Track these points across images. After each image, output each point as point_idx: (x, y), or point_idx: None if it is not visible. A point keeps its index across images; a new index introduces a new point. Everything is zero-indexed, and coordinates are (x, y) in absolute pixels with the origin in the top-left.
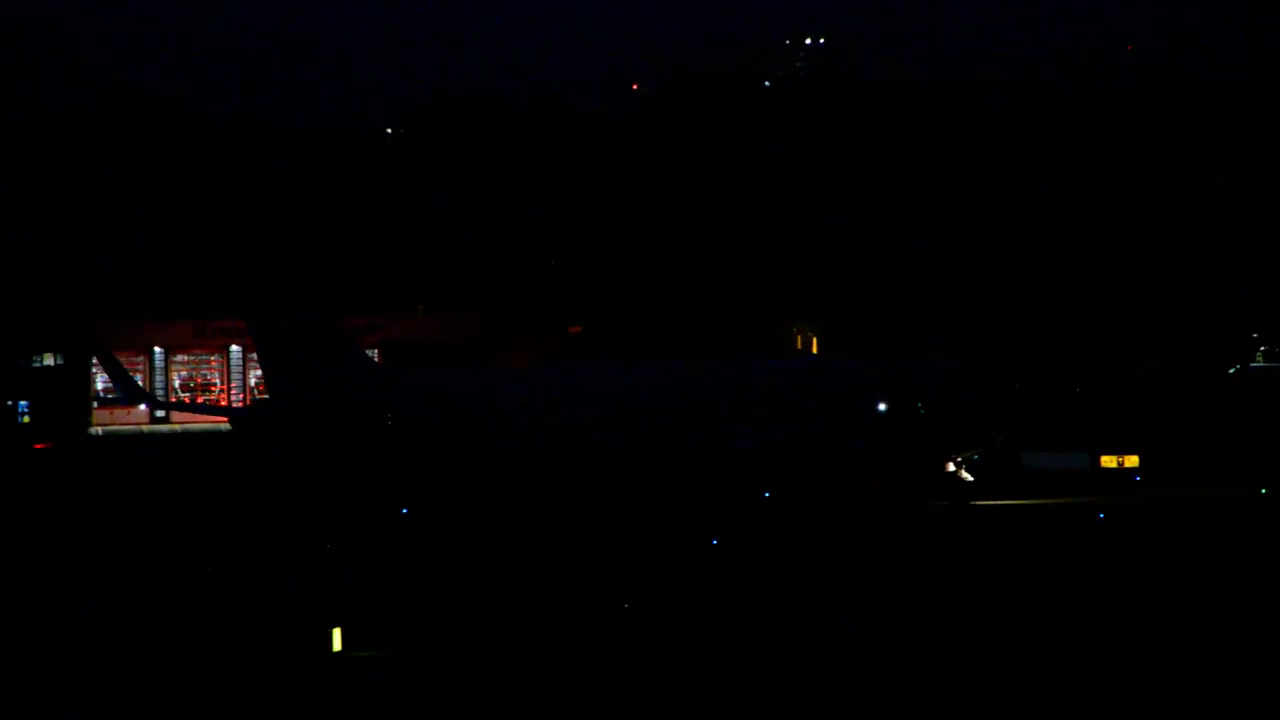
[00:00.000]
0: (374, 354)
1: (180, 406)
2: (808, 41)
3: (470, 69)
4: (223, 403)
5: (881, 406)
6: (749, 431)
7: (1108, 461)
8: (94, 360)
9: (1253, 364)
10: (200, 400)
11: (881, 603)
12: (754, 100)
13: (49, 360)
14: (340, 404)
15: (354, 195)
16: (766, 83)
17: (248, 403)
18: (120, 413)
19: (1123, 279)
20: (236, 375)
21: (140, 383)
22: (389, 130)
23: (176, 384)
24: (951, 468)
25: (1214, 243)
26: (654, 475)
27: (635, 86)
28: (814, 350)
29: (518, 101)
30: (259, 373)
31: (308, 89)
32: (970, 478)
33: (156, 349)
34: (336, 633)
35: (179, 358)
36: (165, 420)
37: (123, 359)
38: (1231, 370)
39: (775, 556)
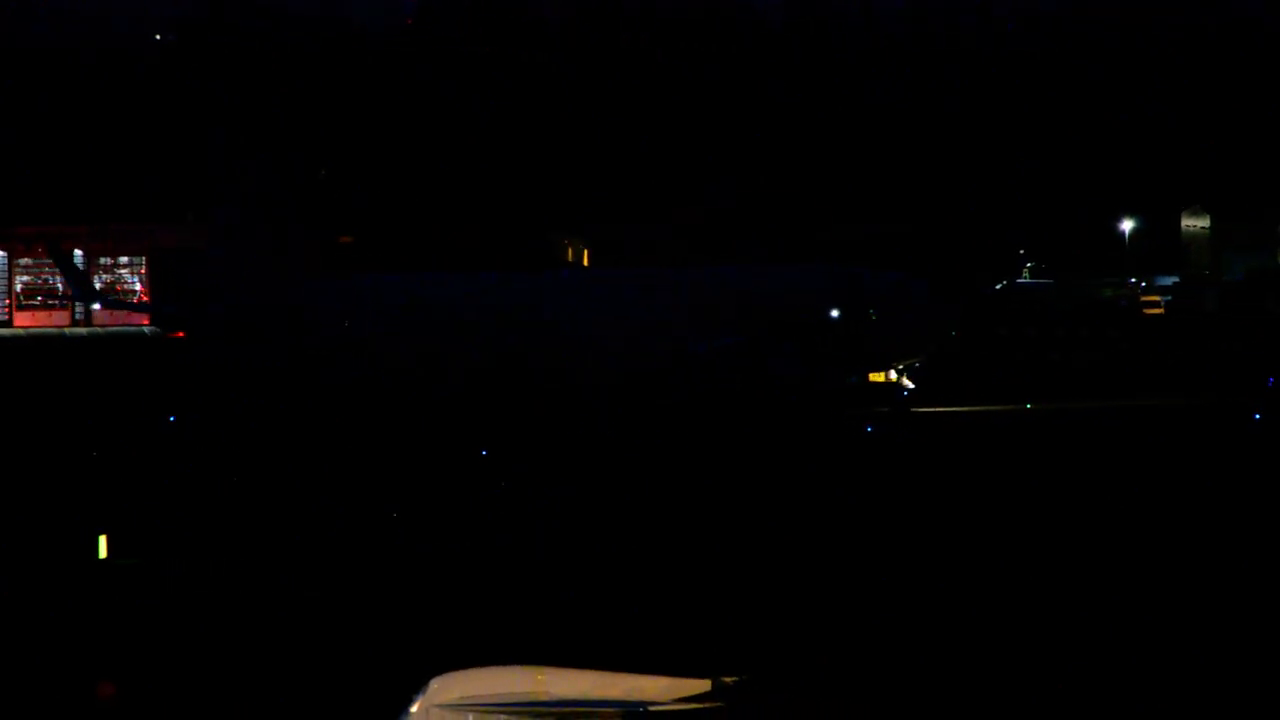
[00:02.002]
0: (142, 263)
1: (127, 306)
2: None
3: None
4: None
5: (834, 313)
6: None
7: (876, 377)
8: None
9: (1019, 280)
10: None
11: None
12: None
13: None
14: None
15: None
16: None
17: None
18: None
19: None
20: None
21: None
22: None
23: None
24: (894, 375)
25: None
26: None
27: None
28: (585, 263)
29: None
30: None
31: None
32: (911, 385)
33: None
34: (102, 539)
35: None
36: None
37: None
38: (998, 286)
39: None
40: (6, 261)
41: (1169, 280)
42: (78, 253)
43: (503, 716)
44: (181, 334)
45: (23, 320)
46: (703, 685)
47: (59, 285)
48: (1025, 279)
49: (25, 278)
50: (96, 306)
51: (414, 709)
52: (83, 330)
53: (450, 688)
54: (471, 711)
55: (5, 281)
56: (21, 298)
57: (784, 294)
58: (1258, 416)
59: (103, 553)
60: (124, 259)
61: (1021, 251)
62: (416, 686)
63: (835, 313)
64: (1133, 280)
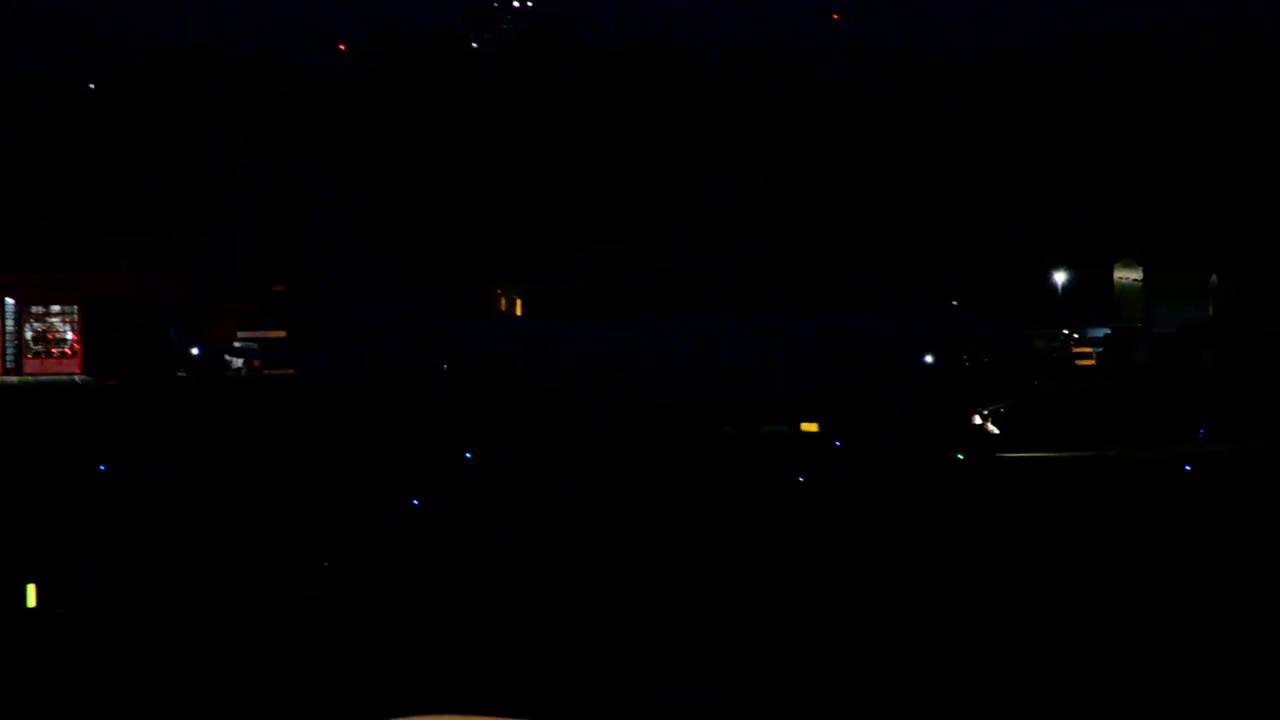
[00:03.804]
0: (74, 312)
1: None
2: (515, 4)
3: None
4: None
5: (928, 359)
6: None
7: (808, 427)
8: None
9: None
10: None
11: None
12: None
13: None
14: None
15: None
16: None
17: None
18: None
19: None
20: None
21: None
22: (92, 85)
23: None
24: (978, 420)
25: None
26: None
27: (342, 47)
28: (518, 313)
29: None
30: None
31: None
32: (996, 430)
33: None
34: (31, 589)
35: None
36: None
37: None
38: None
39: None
40: None
41: (1101, 332)
42: (9, 301)
43: None
44: (113, 382)
45: None
46: None
47: None
48: None
49: None
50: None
51: None
52: (13, 379)
53: None
54: None
55: None
56: None
57: (888, 341)
58: (1188, 469)
59: (31, 601)
60: (55, 307)
61: (955, 302)
62: None
63: (931, 358)
64: (1065, 331)
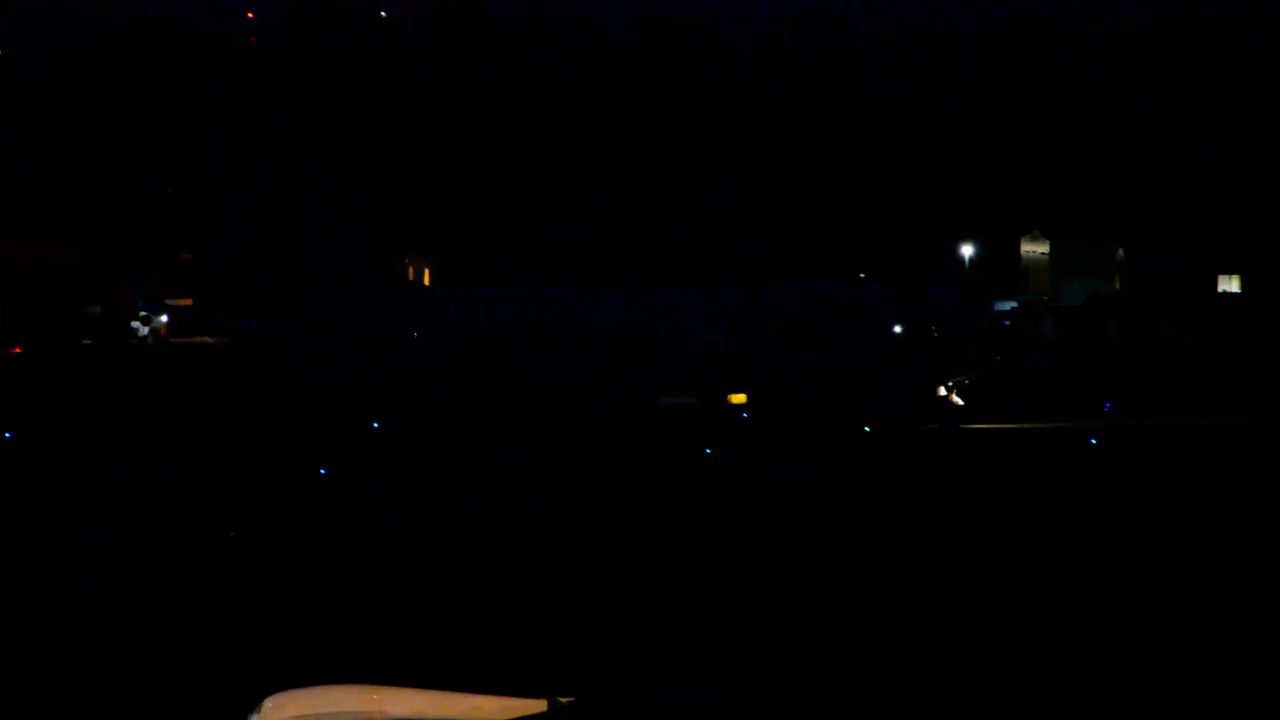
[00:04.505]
0: None
1: None
2: None
3: None
4: None
5: (896, 329)
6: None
7: (736, 398)
8: None
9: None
10: None
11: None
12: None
13: None
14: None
15: None
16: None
17: None
18: None
19: None
20: None
21: None
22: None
23: None
24: (943, 391)
25: None
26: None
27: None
28: (426, 282)
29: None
30: None
31: None
32: (961, 401)
33: None
34: None
35: None
36: None
37: None
38: None
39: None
40: None
41: (1009, 305)
42: None
43: None
44: (19, 349)
45: None
46: (539, 705)
47: None
48: None
49: None
50: None
51: None
52: None
53: (285, 706)
54: None
55: None
56: None
57: (854, 311)
58: (1094, 441)
59: None
60: None
61: (862, 275)
62: (254, 705)
63: (900, 329)
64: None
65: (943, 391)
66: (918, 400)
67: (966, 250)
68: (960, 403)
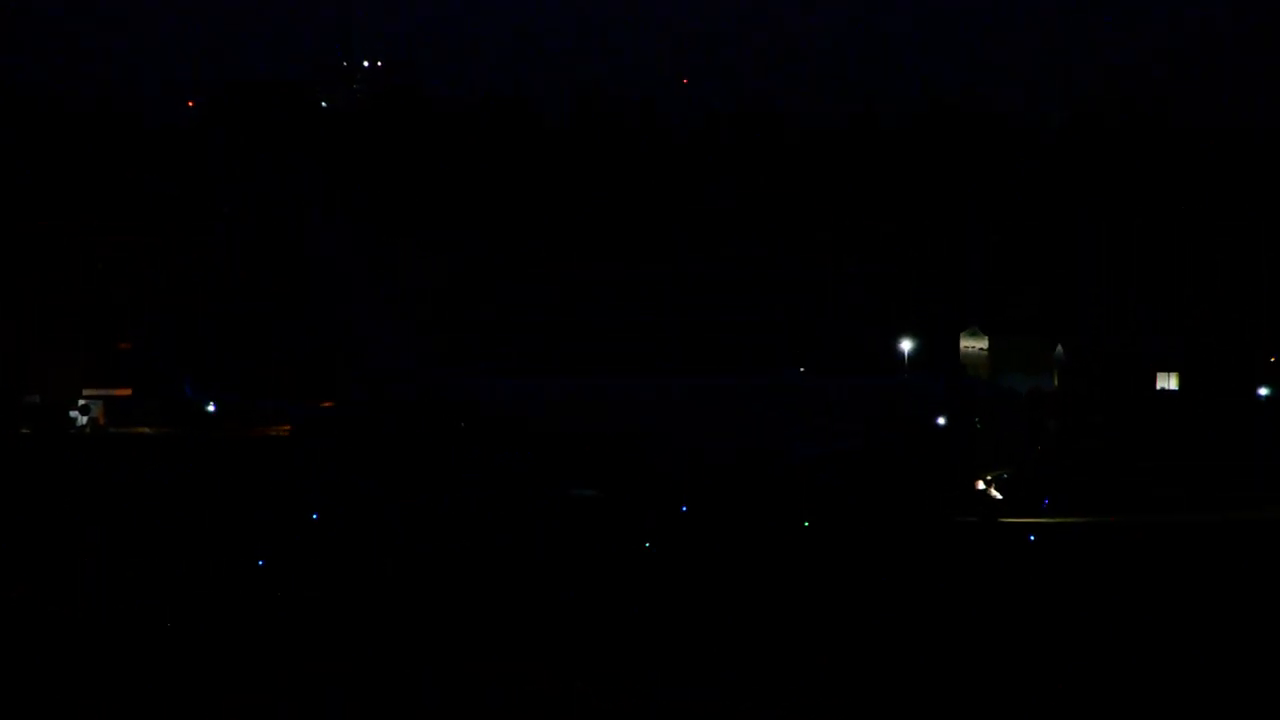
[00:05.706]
0: None
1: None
2: (365, 64)
3: None
4: None
5: (940, 421)
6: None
7: None
8: None
9: None
10: None
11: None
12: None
13: None
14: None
15: None
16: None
17: None
18: None
19: None
20: None
21: None
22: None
23: None
24: (981, 485)
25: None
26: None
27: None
28: None
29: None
30: None
31: None
32: (999, 495)
33: None
34: None
35: None
36: None
37: None
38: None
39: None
40: None
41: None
42: None
43: None
44: None
45: None
46: None
47: None
48: None
49: None
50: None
51: None
52: None
53: None
54: None
55: None
56: None
57: (896, 402)
58: (1032, 538)
59: None
60: None
61: (801, 369)
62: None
63: (943, 421)
64: None
65: (980, 486)
66: (958, 493)
67: (906, 345)
68: (999, 497)
